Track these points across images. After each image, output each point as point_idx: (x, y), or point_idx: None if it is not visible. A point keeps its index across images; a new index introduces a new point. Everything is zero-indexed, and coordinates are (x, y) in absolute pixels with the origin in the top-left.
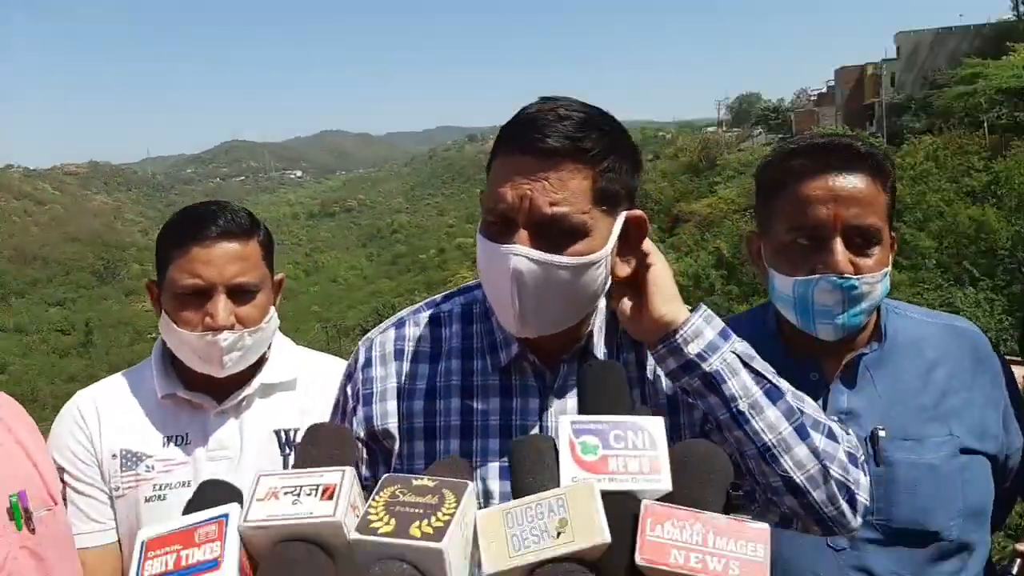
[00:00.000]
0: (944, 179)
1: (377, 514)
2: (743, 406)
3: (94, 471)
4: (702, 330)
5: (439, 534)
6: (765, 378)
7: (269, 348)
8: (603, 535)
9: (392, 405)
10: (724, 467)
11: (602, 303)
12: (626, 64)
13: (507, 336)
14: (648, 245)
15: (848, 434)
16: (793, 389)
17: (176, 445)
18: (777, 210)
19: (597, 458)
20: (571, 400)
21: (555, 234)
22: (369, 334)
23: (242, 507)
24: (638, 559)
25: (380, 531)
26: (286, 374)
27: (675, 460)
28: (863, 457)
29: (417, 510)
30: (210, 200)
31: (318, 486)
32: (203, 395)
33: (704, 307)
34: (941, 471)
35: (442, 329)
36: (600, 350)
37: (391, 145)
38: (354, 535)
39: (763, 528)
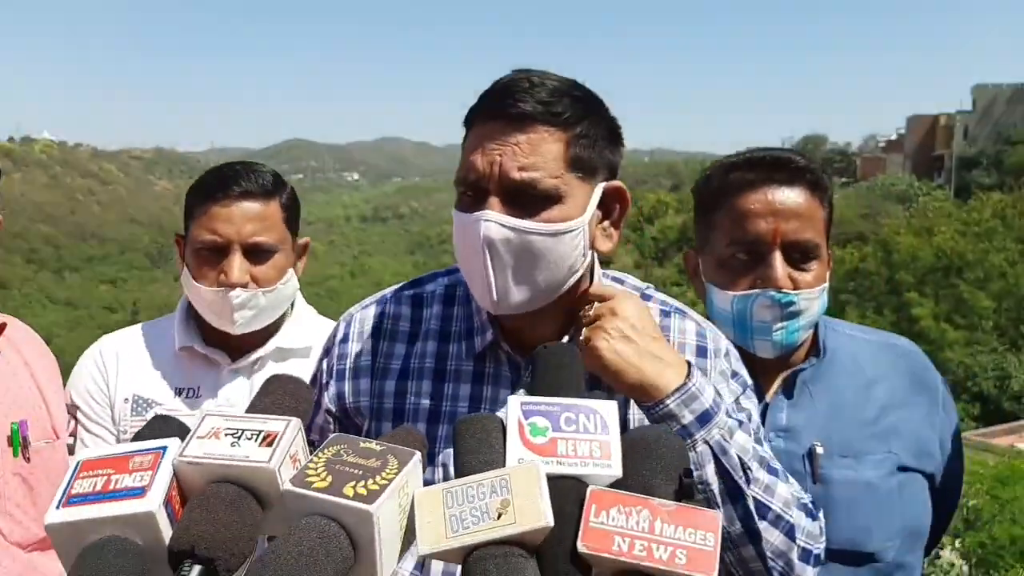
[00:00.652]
0: (1010, 239)
1: (315, 470)
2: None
3: (106, 412)
4: (678, 413)
5: (372, 497)
6: (742, 468)
7: (290, 312)
8: (546, 519)
9: (365, 383)
10: (677, 453)
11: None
12: (690, 94)
13: (483, 322)
14: (608, 288)
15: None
16: (765, 469)
17: (186, 397)
18: (716, 224)
19: (546, 440)
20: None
21: (526, 200)
22: (351, 309)
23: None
24: (580, 546)
25: (314, 486)
26: (302, 341)
27: (626, 445)
28: (809, 499)
29: (356, 471)
30: (239, 162)
31: (260, 432)
32: (219, 351)
33: (689, 383)
34: (879, 489)
35: (423, 310)
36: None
37: (449, 156)
38: (287, 486)
39: (714, 515)
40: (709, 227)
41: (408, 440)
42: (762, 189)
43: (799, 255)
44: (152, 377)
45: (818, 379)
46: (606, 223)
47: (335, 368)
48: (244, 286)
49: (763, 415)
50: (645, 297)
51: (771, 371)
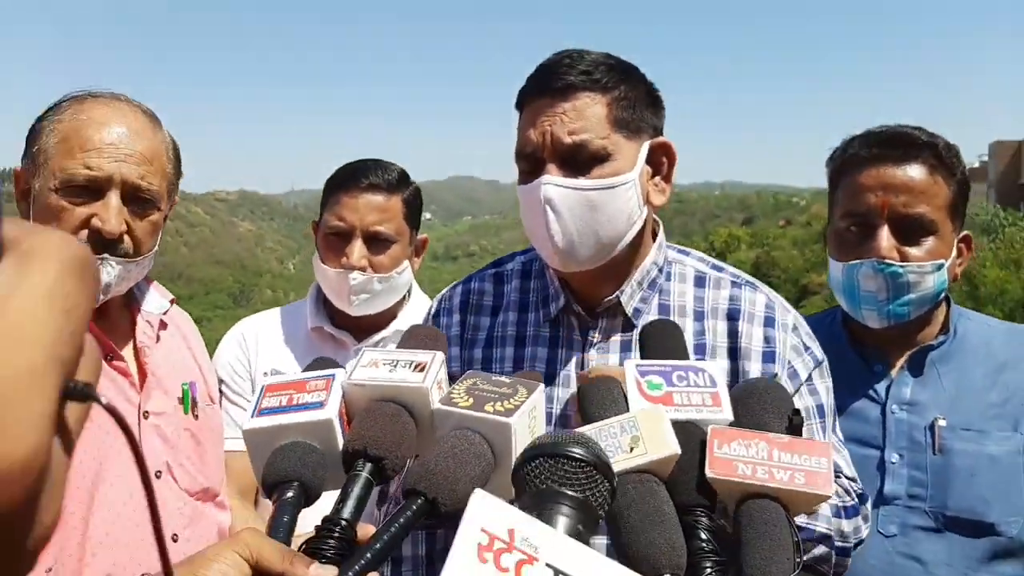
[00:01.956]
0: None
1: (459, 393)
2: None
3: (247, 385)
4: None
5: (509, 413)
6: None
7: (408, 299)
8: (674, 447)
9: (455, 351)
10: (783, 397)
11: (637, 272)
12: (760, 124)
13: (556, 289)
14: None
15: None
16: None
17: None
18: (836, 199)
19: (662, 393)
20: (611, 356)
21: (579, 161)
22: (443, 290)
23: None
24: (708, 473)
25: (460, 405)
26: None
27: (738, 393)
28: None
29: (493, 395)
30: (371, 158)
31: (412, 361)
32: (345, 332)
33: None
34: (1002, 463)
35: (503, 285)
36: (631, 307)
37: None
38: (437, 405)
39: (825, 444)
40: (832, 203)
41: (531, 377)
42: (876, 164)
43: (910, 229)
44: (287, 354)
45: (947, 359)
46: (656, 178)
47: None
48: (363, 270)
49: (887, 389)
50: (716, 268)
51: (899, 347)
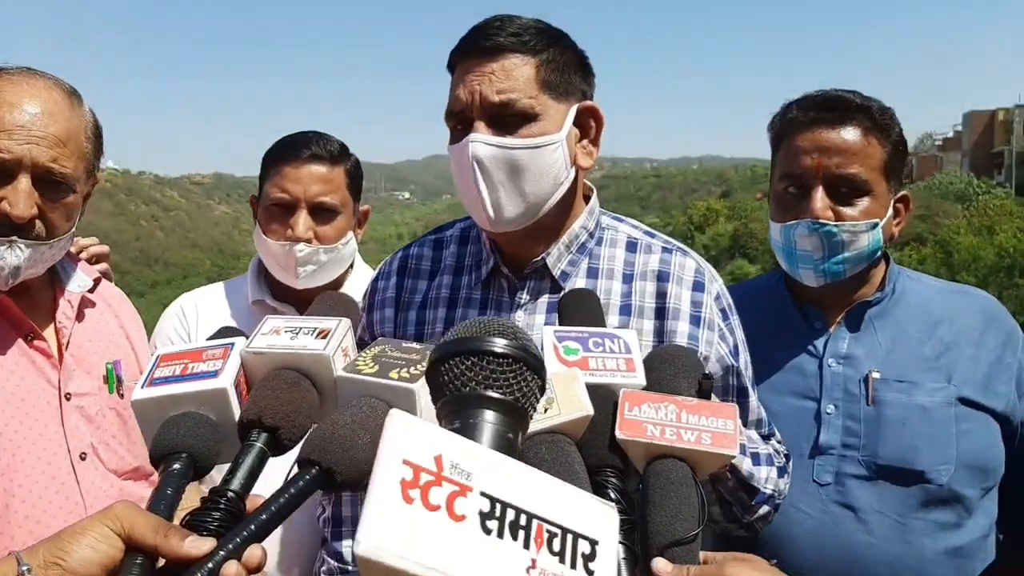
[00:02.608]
0: None
1: (364, 361)
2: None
3: None
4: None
5: (415, 379)
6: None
7: (350, 271)
8: (587, 408)
9: (390, 312)
10: (693, 361)
11: (565, 235)
12: (738, 98)
13: (488, 252)
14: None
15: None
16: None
17: None
18: (776, 161)
19: (578, 358)
20: (537, 316)
21: (507, 120)
22: (387, 257)
23: None
24: (618, 434)
25: (363, 372)
26: (361, 295)
27: (651, 358)
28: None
29: (399, 362)
30: (311, 130)
31: (315, 328)
32: (287, 305)
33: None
34: (933, 414)
35: (442, 250)
36: (558, 269)
37: None
38: (340, 372)
39: (731, 406)
40: (773, 166)
41: None
42: (812, 128)
43: (846, 190)
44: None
45: (884, 315)
46: (584, 141)
47: (368, 302)
48: (308, 242)
49: (825, 344)
50: (648, 235)
51: (836, 303)
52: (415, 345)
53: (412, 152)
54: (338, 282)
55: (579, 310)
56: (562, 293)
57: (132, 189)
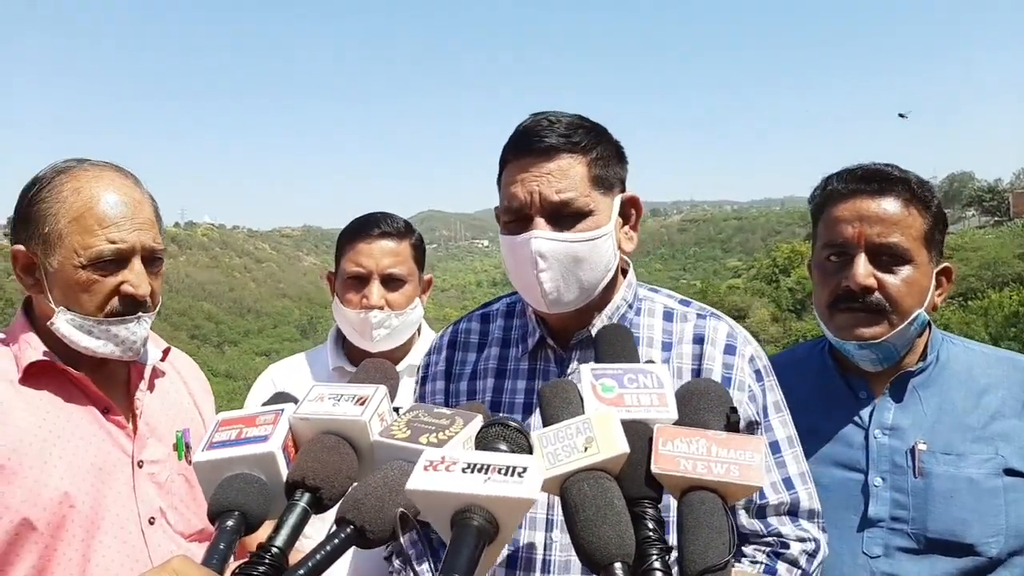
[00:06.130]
0: None
1: (398, 426)
2: None
3: None
4: None
5: (442, 444)
6: None
7: (418, 336)
8: (624, 447)
9: (440, 384)
10: (722, 396)
11: (608, 308)
12: (826, 137)
13: (533, 327)
14: None
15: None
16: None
17: None
18: (818, 233)
19: (614, 395)
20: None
21: (565, 217)
22: (440, 331)
23: None
24: (654, 468)
25: (397, 436)
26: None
27: (682, 393)
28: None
29: (430, 427)
30: (377, 211)
31: (355, 395)
32: None
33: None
34: (981, 486)
35: (489, 324)
36: None
37: None
38: (376, 437)
39: (758, 439)
40: (814, 238)
41: (472, 409)
42: (852, 198)
43: (887, 258)
44: None
45: (929, 384)
46: (626, 228)
47: (421, 375)
48: (381, 308)
49: (871, 414)
50: (684, 304)
51: (883, 373)
52: (445, 411)
53: (490, 201)
54: (407, 345)
55: (613, 345)
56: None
57: (227, 243)
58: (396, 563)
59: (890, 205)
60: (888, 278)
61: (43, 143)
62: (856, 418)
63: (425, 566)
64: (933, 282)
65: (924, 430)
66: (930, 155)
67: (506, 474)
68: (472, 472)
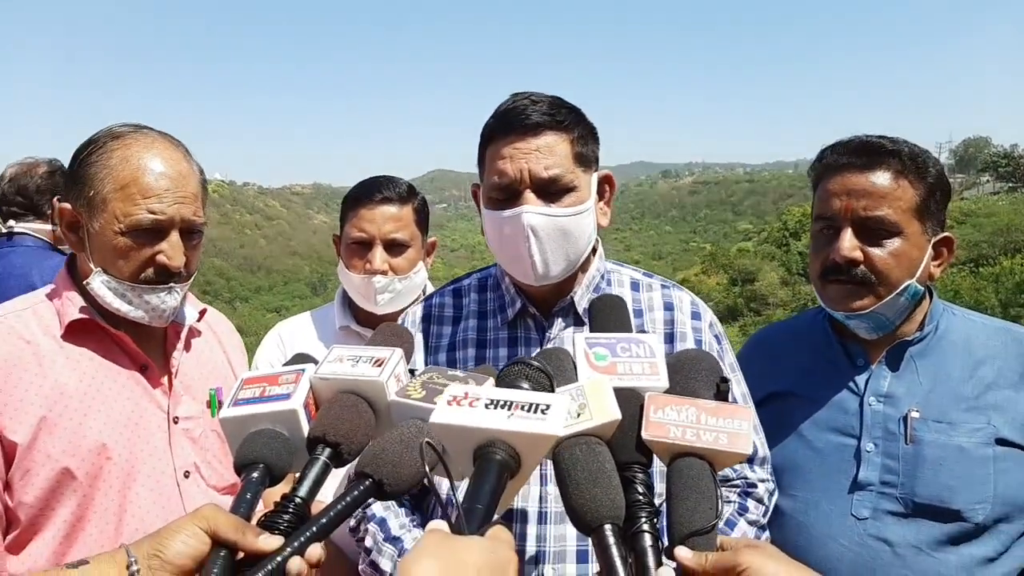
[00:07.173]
0: None
1: (414, 387)
2: None
3: None
4: None
5: None
6: None
7: (422, 297)
8: (615, 413)
9: (420, 357)
10: (712, 365)
11: (586, 278)
12: (839, 98)
13: (512, 296)
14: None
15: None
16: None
17: None
18: (814, 204)
19: (607, 364)
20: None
21: (552, 193)
22: (408, 307)
23: None
24: (645, 435)
25: (412, 396)
26: None
27: (673, 362)
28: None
29: (444, 387)
30: (380, 175)
31: (373, 357)
32: (369, 329)
33: None
34: (971, 454)
35: (462, 299)
36: (582, 307)
37: None
38: (392, 397)
39: (746, 408)
40: (812, 208)
41: (483, 372)
42: (843, 172)
43: (873, 231)
44: (320, 350)
45: (926, 354)
46: (601, 203)
47: None
48: (384, 273)
49: (866, 382)
50: (647, 276)
51: (881, 341)
52: (459, 373)
53: None
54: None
55: (608, 315)
56: (585, 325)
57: (237, 200)
58: (367, 540)
59: (879, 178)
60: (874, 251)
61: (51, 96)
62: (852, 385)
63: (404, 529)
64: (930, 252)
65: (918, 399)
66: (948, 119)
67: (529, 411)
68: (495, 408)
